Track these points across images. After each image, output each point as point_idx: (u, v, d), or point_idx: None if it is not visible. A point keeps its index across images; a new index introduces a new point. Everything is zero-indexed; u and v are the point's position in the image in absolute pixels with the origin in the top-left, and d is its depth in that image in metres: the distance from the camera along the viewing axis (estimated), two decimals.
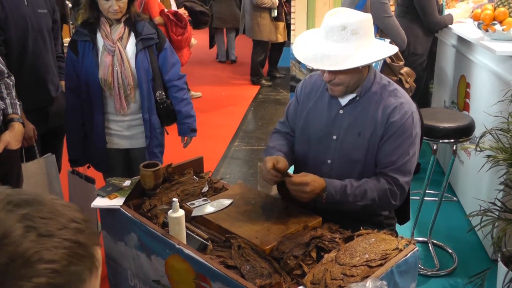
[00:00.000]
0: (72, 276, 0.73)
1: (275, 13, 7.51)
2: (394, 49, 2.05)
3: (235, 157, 5.16)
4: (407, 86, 3.65)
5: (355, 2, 3.74)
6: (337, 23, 1.94)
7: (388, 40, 3.43)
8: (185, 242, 1.90)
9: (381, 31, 3.76)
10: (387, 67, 3.49)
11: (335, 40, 1.94)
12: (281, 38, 7.76)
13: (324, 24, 1.99)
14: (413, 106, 2.10)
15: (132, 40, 2.80)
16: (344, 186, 2.01)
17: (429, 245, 3.37)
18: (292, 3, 5.04)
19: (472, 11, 4.42)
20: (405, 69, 3.66)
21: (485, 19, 3.43)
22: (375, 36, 3.65)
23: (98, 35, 2.78)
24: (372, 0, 3.69)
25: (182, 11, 5.69)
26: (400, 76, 3.60)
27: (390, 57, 3.47)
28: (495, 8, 3.49)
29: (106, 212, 2.31)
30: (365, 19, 1.97)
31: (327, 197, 2.01)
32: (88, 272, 0.76)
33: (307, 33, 2.16)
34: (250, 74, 8.08)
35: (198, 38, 6.93)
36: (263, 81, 7.97)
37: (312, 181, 1.97)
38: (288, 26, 7.55)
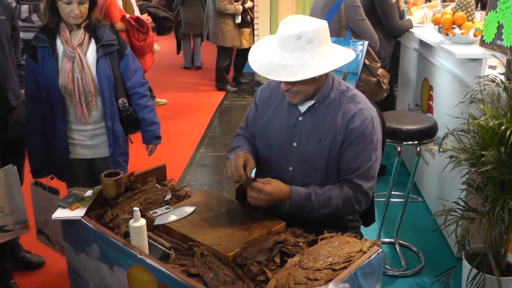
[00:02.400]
0: None
1: (239, 19, 7.50)
2: (351, 56, 1.99)
3: (201, 163, 5.12)
4: (384, 87, 3.70)
5: (328, 6, 3.76)
6: (292, 33, 1.88)
7: (367, 42, 3.46)
8: (147, 252, 1.86)
9: (355, 33, 3.79)
10: (366, 68, 3.52)
11: (289, 50, 1.89)
12: (246, 44, 7.74)
13: (278, 34, 1.93)
14: (373, 111, 2.08)
15: (92, 46, 2.75)
16: (308, 194, 2.00)
17: (396, 245, 3.40)
18: (255, 8, 5.04)
19: (425, 16, 4.55)
20: (381, 71, 3.71)
21: (445, 23, 3.50)
22: (350, 39, 3.70)
23: (58, 41, 2.71)
24: (346, 4, 3.73)
25: (145, 17, 5.65)
26: (377, 77, 3.64)
27: (367, 59, 3.51)
28: (454, 13, 3.56)
29: (68, 224, 2.24)
30: (321, 27, 1.91)
31: (290, 205, 2.00)
32: None
33: (263, 41, 2.10)
34: (215, 80, 8.07)
35: (162, 44, 6.89)
36: (229, 87, 7.97)
37: (273, 192, 1.95)
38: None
